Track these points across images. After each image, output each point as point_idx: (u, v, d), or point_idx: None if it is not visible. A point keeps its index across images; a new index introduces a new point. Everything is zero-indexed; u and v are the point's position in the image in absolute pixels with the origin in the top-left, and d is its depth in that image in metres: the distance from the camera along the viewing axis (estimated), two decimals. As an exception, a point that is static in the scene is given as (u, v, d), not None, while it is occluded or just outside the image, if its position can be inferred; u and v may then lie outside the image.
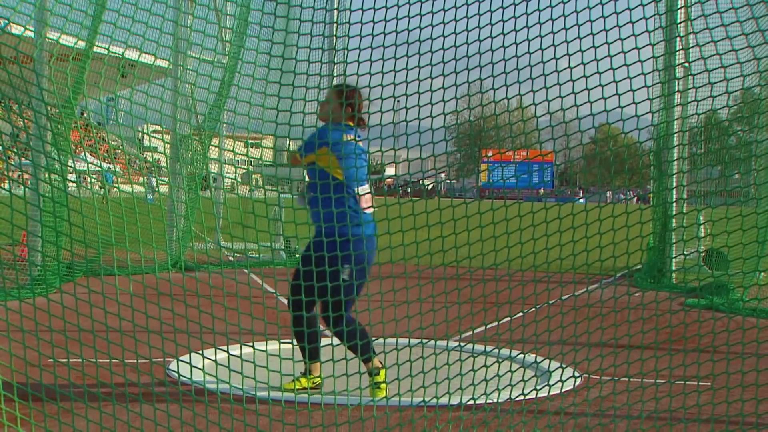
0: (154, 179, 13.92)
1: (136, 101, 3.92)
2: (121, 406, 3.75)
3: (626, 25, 3.94)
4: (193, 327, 3.91)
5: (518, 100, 4.40)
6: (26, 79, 3.68)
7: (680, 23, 8.14)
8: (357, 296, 4.68)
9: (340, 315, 4.52)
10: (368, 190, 4.67)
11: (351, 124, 4.75)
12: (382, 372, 4.70)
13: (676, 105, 9.03)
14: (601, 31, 3.98)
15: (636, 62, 3.94)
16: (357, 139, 4.67)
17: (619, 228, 4.08)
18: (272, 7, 4.45)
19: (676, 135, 8.81)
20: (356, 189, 4.60)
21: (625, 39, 3.94)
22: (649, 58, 4.06)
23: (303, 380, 4.79)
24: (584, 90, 4.00)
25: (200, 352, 4.04)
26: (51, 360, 3.92)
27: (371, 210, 4.69)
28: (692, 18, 3.95)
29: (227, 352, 3.96)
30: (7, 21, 3.71)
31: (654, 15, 4.38)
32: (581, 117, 4.49)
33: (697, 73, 3.95)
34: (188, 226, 11.35)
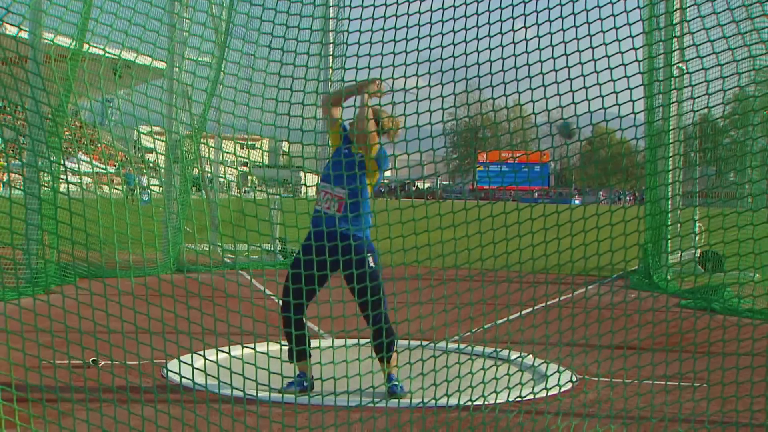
0: (144, 179, 13.87)
1: (134, 102, 3.92)
2: (122, 408, 3.75)
3: (624, 27, 3.97)
4: (189, 327, 3.90)
5: (515, 100, 4.41)
6: (20, 79, 3.67)
7: (676, 24, 8.15)
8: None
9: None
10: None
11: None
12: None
13: (672, 102, 9.03)
14: (599, 32, 4.01)
15: (633, 62, 3.97)
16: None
17: (616, 223, 4.10)
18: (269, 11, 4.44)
19: (671, 133, 8.82)
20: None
21: (622, 40, 3.97)
22: (647, 58, 4.08)
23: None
24: (582, 88, 4.02)
25: (201, 352, 4.04)
26: (48, 362, 3.91)
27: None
28: (688, 19, 3.98)
29: (230, 352, 3.96)
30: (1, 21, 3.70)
31: (652, 17, 4.40)
32: (578, 115, 4.50)
33: (694, 71, 3.97)
34: (190, 227, 11.27)
